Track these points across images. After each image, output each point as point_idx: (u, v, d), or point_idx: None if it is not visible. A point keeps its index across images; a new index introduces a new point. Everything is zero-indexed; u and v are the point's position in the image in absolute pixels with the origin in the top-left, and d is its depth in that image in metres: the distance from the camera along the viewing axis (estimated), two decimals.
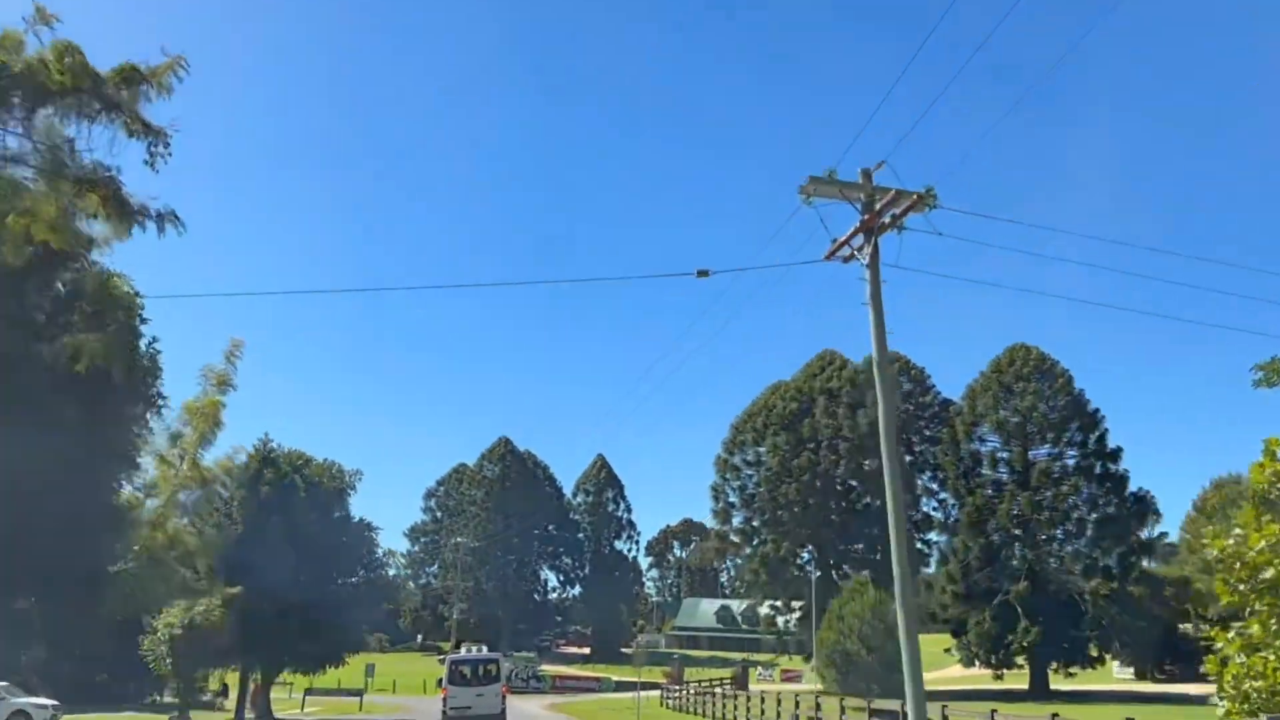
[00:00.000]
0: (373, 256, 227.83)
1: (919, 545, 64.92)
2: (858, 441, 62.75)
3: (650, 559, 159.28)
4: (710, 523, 69.61)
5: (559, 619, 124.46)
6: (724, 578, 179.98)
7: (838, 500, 64.66)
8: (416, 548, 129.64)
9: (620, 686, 70.83)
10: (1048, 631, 54.12)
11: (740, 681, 66.61)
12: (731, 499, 68.59)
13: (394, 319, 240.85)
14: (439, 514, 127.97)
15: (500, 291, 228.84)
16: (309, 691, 45.23)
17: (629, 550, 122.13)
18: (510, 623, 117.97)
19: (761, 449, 66.19)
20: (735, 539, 68.39)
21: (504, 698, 28.94)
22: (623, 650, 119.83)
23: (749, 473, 68.17)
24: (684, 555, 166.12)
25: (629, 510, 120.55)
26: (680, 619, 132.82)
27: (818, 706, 26.14)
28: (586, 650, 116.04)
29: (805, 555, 67.64)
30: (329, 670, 37.33)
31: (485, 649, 32.42)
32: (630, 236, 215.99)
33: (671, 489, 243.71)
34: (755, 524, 67.14)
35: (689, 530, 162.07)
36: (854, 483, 64.83)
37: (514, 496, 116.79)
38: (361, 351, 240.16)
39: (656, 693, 59.46)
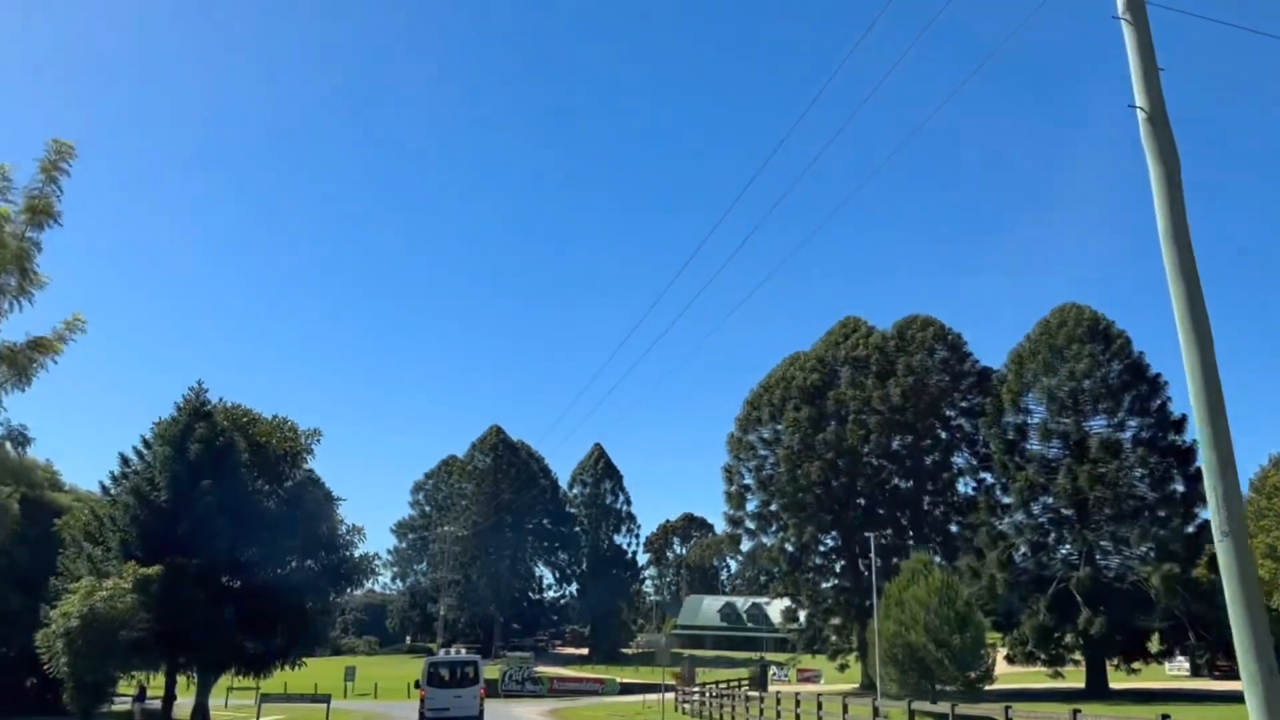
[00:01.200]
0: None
1: (954, 529, 58.29)
2: (888, 415, 56.07)
3: (649, 556, 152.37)
4: (723, 507, 62.73)
5: (555, 618, 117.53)
6: (724, 575, 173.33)
7: (868, 480, 57.92)
8: (404, 544, 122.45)
9: (626, 689, 64.06)
10: (1110, 623, 47.60)
11: (759, 682, 60.00)
12: (747, 480, 61.81)
13: (382, 301, 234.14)
14: (427, 508, 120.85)
15: (498, 271, 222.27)
16: (268, 698, 38.31)
17: (629, 545, 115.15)
18: (503, 622, 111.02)
19: (780, 426, 59.45)
20: (750, 525, 61.67)
21: (482, 699, 28.58)
22: (622, 651, 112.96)
23: (765, 452, 61.46)
24: (684, 552, 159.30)
25: (628, 502, 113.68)
26: (683, 618, 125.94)
27: (912, 717, 19.35)
28: (584, 651, 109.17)
29: (829, 542, 60.97)
30: (278, 671, 30.36)
31: (464, 650, 32.43)
32: None
33: (670, 485, 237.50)
34: (773, 508, 60.40)
35: (689, 526, 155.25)
36: (883, 462, 58.13)
37: (507, 489, 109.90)
38: (346, 339, 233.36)
39: (668, 696, 52.79)
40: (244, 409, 29.96)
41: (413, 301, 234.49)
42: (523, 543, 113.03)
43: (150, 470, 27.42)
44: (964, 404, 57.88)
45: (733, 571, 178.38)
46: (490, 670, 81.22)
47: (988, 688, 41.59)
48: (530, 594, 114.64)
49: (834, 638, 60.36)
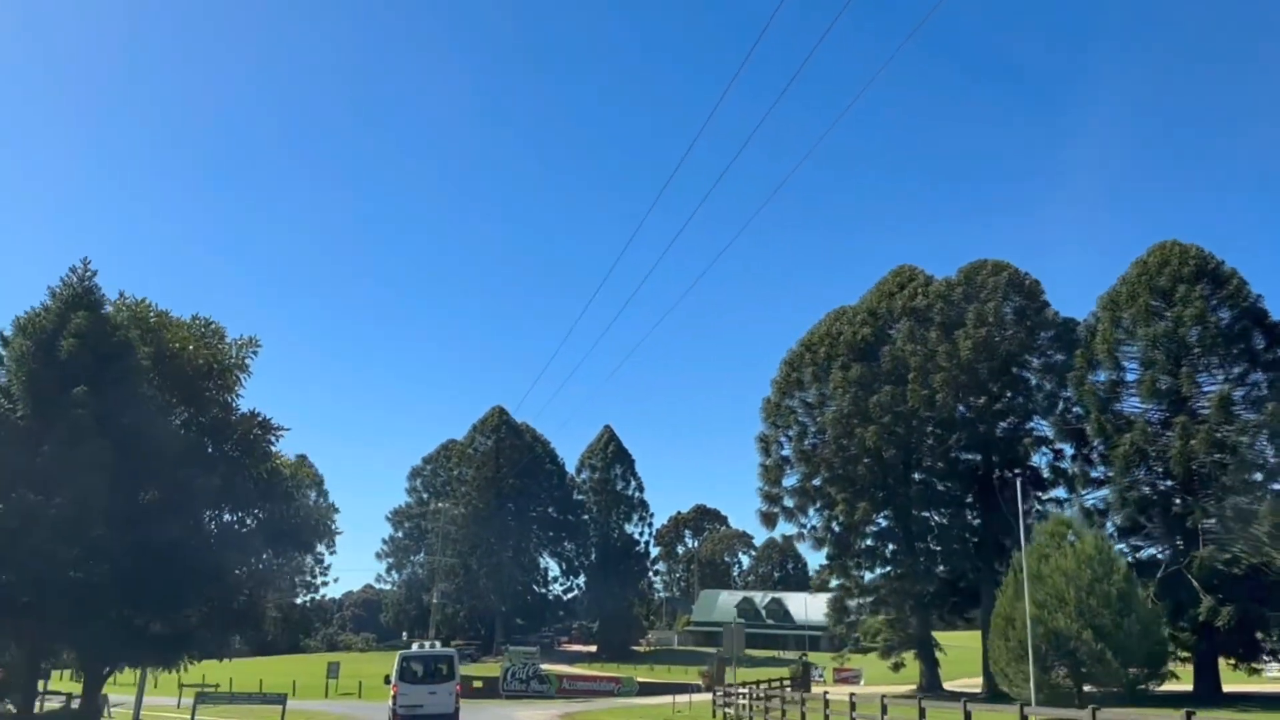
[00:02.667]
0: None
1: (1037, 507, 49.94)
2: (954, 373, 47.67)
3: (659, 550, 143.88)
4: (758, 483, 54.29)
5: (560, 613, 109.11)
6: (735, 571, 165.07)
7: (929, 451, 49.49)
8: (400, 534, 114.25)
9: (645, 689, 55.78)
10: (1233, 613, 39.26)
11: (802, 682, 51.76)
12: (785, 451, 53.53)
13: (382, 280, 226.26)
14: (425, 495, 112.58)
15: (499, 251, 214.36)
16: (207, 696, 30.13)
17: (640, 534, 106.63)
18: (506, 617, 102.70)
19: (826, 387, 51.09)
20: (789, 503, 53.39)
21: (457, 696, 26.52)
22: (634, 649, 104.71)
23: (807, 419, 53.12)
24: (696, 545, 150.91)
25: (641, 489, 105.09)
26: (697, 614, 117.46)
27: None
28: (592, 648, 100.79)
29: (881, 522, 52.57)
30: (188, 666, 21.98)
31: (438, 644, 30.56)
32: None
33: (680, 477, 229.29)
34: (816, 482, 52.10)
35: (701, 518, 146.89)
36: (946, 430, 49.47)
37: (510, 474, 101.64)
38: (346, 321, 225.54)
39: (699, 698, 44.57)
40: (150, 306, 21.76)
41: (413, 285, 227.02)
42: (527, 532, 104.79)
43: (5, 376, 19.29)
44: (1041, 361, 49.47)
45: (745, 567, 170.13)
46: (491, 668, 72.90)
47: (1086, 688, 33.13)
48: (535, 587, 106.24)
49: (886, 632, 52.08)
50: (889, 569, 52.67)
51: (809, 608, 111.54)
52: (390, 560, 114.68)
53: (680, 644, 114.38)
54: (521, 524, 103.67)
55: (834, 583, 53.35)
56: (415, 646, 29.35)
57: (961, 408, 49.65)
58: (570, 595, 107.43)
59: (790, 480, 54.00)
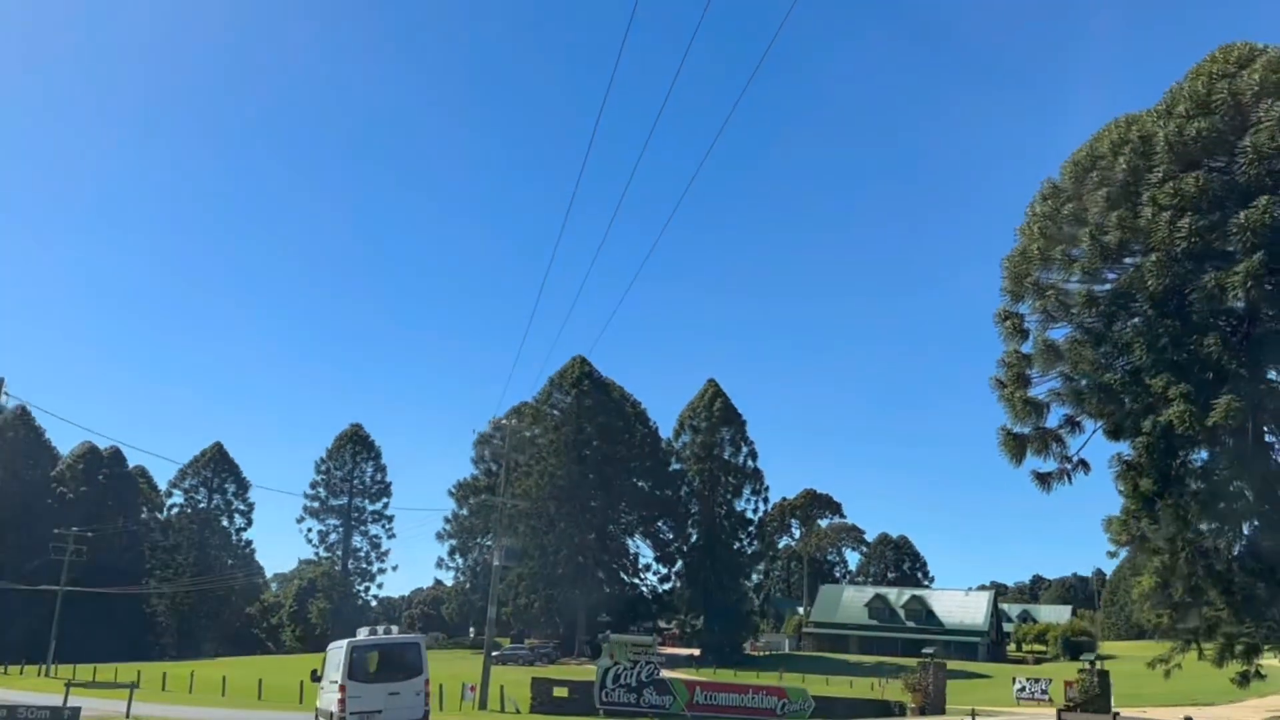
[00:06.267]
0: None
1: None
2: None
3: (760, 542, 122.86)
4: (995, 390, 33.94)
5: (654, 607, 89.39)
6: (838, 572, 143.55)
7: None
8: (465, 511, 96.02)
9: (822, 708, 35.63)
10: None
11: (1102, 700, 31.07)
12: (1057, 332, 32.92)
13: (435, 243, 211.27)
14: (494, 466, 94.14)
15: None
16: None
17: (754, 510, 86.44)
18: (590, 610, 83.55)
19: (1143, 212, 30.42)
20: (1056, 416, 33.01)
21: (427, 697, 19.36)
22: (747, 652, 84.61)
23: (1089, 277, 32.59)
24: (802, 536, 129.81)
25: (753, 456, 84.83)
26: (817, 613, 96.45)
27: None
28: (695, 651, 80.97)
29: (1198, 458, 31.57)
30: None
31: (394, 629, 22.47)
32: None
33: (784, 459, 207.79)
34: (1111, 378, 31.60)
35: (811, 504, 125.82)
36: None
37: (594, 436, 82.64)
38: (395, 280, 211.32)
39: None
40: None
41: (485, 232, 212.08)
42: (613, 508, 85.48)
43: None
44: None
45: (852, 566, 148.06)
46: (577, 670, 53.87)
47: None
48: (623, 575, 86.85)
49: (1229, 624, 31.24)
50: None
51: (966, 608, 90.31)
52: (454, 542, 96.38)
53: (793, 648, 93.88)
54: (607, 499, 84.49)
55: (1142, 541, 32.28)
56: (365, 632, 20.28)
57: None
58: (666, 586, 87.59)
59: (1050, 383, 33.53)
